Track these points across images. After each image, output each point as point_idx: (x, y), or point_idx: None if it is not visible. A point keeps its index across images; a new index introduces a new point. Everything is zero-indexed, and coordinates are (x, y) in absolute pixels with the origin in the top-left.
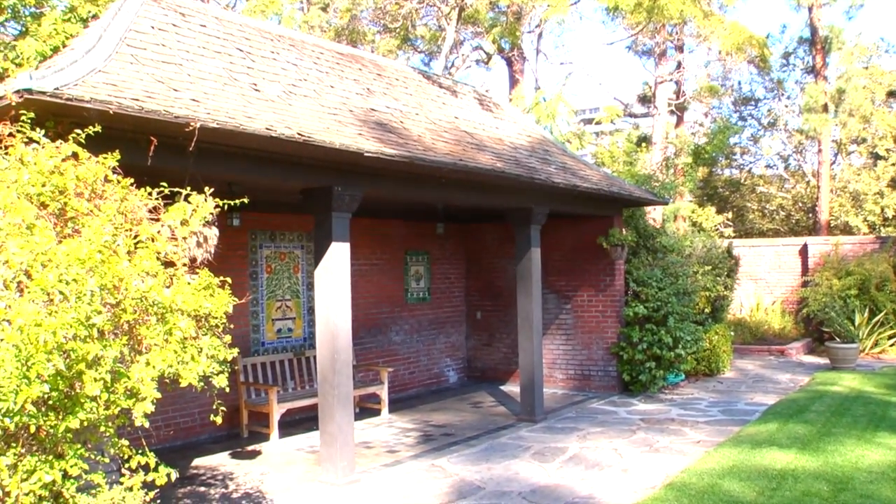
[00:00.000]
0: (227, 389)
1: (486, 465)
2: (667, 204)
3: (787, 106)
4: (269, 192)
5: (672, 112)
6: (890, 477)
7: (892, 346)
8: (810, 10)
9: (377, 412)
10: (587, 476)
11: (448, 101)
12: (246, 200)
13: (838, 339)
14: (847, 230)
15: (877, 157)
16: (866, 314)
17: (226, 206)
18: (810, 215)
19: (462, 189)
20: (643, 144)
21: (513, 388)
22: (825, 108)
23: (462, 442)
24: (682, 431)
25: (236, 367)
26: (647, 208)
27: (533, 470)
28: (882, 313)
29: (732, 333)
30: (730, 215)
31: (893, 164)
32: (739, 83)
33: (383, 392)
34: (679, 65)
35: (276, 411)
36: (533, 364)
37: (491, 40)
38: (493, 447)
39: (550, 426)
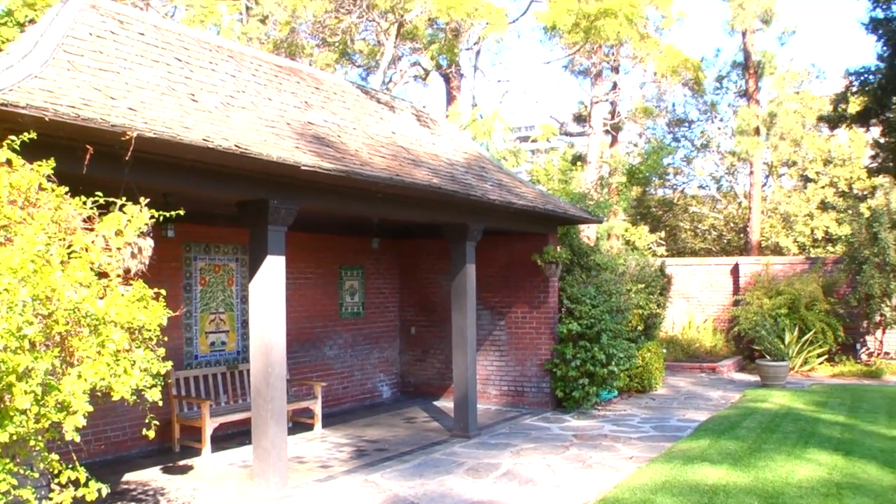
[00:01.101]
0: (160, 403)
1: (420, 480)
2: (601, 222)
3: (719, 128)
4: (206, 203)
5: (607, 132)
6: (819, 492)
7: (821, 364)
8: (744, 35)
9: (311, 427)
10: (521, 492)
11: (386, 117)
12: (182, 212)
13: (769, 357)
14: (777, 251)
15: (807, 179)
16: (796, 333)
17: (161, 218)
18: (742, 235)
19: (398, 204)
20: (578, 163)
21: (447, 403)
22: (757, 131)
23: (396, 457)
24: (614, 447)
25: (169, 381)
26: (582, 226)
27: (467, 486)
28: (811, 332)
29: (665, 351)
30: (662, 234)
31: (823, 187)
32: (674, 105)
33: (317, 407)
34: (615, 85)
35: (209, 425)
36: (467, 380)
37: (429, 56)
38: (426, 463)
39: (484, 442)
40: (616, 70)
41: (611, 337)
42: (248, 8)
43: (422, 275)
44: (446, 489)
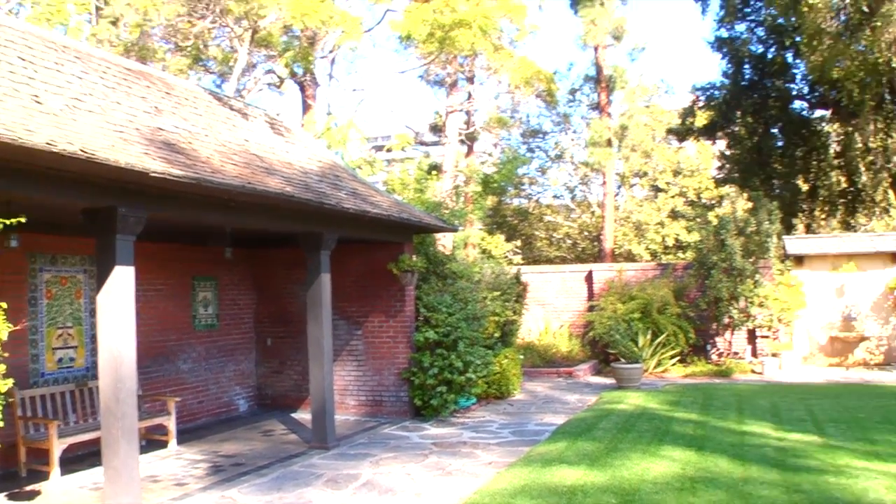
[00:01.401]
0: (2, 424)
1: (278, 494)
2: (456, 231)
3: (573, 139)
4: (51, 211)
5: (462, 142)
6: (674, 487)
7: (674, 365)
8: (596, 49)
9: (164, 444)
10: (381, 502)
11: (239, 124)
12: (23, 219)
13: (623, 360)
14: (630, 258)
15: (657, 189)
16: (649, 336)
17: (1, 226)
18: (595, 243)
19: (251, 213)
20: (434, 172)
21: (305, 415)
22: (609, 143)
23: (253, 472)
24: (474, 454)
25: (12, 400)
26: (438, 235)
27: (326, 497)
28: (664, 335)
29: (522, 357)
30: (518, 243)
31: (673, 197)
32: (528, 116)
33: (171, 423)
34: (470, 95)
35: (57, 447)
36: (324, 391)
37: (284, 64)
38: (284, 476)
39: (343, 453)
40: (471, 80)
41: (467, 344)
42: (98, 8)
43: (278, 285)
44: (305, 501)
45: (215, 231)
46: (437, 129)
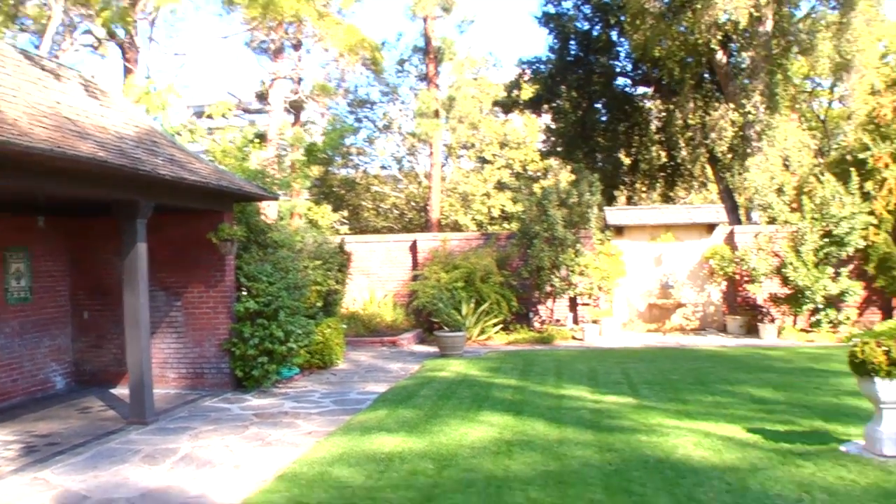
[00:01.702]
0: None
1: (93, 472)
2: (277, 199)
3: (401, 110)
4: None
5: (288, 110)
6: (490, 450)
7: (497, 332)
8: (425, 20)
9: None
10: (199, 475)
11: (50, 85)
12: None
13: (447, 329)
14: (457, 228)
15: (484, 161)
16: (472, 304)
17: None
18: (423, 214)
19: (62, 179)
20: (258, 141)
21: (124, 390)
22: (437, 114)
23: (68, 451)
24: (295, 424)
25: None
26: (264, 205)
27: (143, 473)
28: (487, 303)
29: (345, 326)
30: (346, 213)
31: (499, 169)
32: (356, 86)
33: None
34: (296, 63)
35: None
36: (141, 364)
37: (102, 24)
38: (101, 453)
39: (162, 427)
40: (297, 48)
41: (289, 314)
42: None
43: (94, 256)
44: (121, 479)
45: (26, 198)
46: (262, 97)
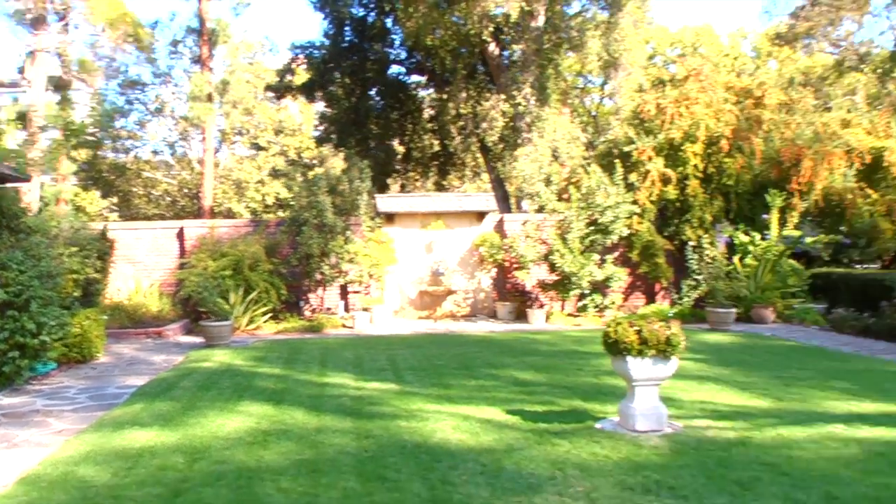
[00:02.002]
0: None
1: None
2: (28, 180)
3: (174, 93)
4: None
5: (53, 89)
6: (245, 441)
7: (266, 321)
8: (199, 1)
9: None
10: None
11: None
12: None
13: (214, 318)
14: (231, 216)
15: (258, 147)
16: (241, 293)
17: None
18: (195, 201)
19: None
20: (17, 120)
21: None
22: (210, 98)
23: None
24: (46, 423)
25: None
26: (25, 189)
27: None
28: (256, 292)
29: (107, 317)
30: (116, 200)
31: (274, 156)
32: (127, 66)
33: None
34: (61, 38)
35: None
36: None
37: None
38: None
39: None
40: (64, 24)
41: (41, 304)
42: None
43: None
44: None
45: None
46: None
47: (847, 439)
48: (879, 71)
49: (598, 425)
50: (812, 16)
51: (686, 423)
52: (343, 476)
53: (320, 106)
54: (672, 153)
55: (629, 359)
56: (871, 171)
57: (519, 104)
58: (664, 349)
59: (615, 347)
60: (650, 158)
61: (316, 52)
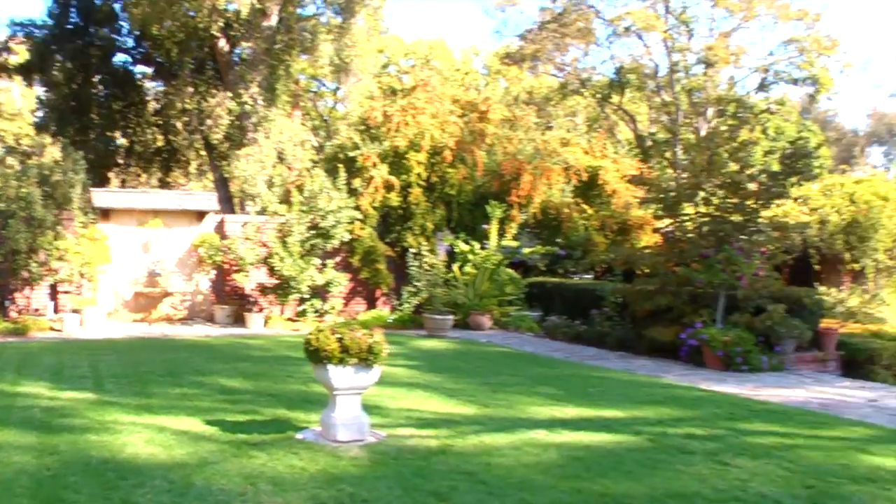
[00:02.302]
0: None
1: None
2: None
3: None
4: None
5: None
6: None
7: None
8: None
9: None
10: None
11: None
12: None
13: None
14: None
15: None
16: None
17: None
18: None
19: None
20: None
21: None
22: None
23: None
24: None
25: None
26: None
27: None
28: None
29: None
30: None
31: None
32: None
33: None
34: None
35: None
36: None
37: None
38: None
39: None
40: None
41: None
42: None
43: None
44: None
45: None
46: None
47: (547, 444)
48: (599, 96)
49: (298, 436)
50: (539, 39)
51: (389, 432)
52: (16, 500)
53: (42, 90)
54: (397, 161)
55: (330, 367)
56: (588, 188)
57: (246, 103)
58: (366, 357)
59: (316, 356)
60: (375, 165)
61: (37, 31)
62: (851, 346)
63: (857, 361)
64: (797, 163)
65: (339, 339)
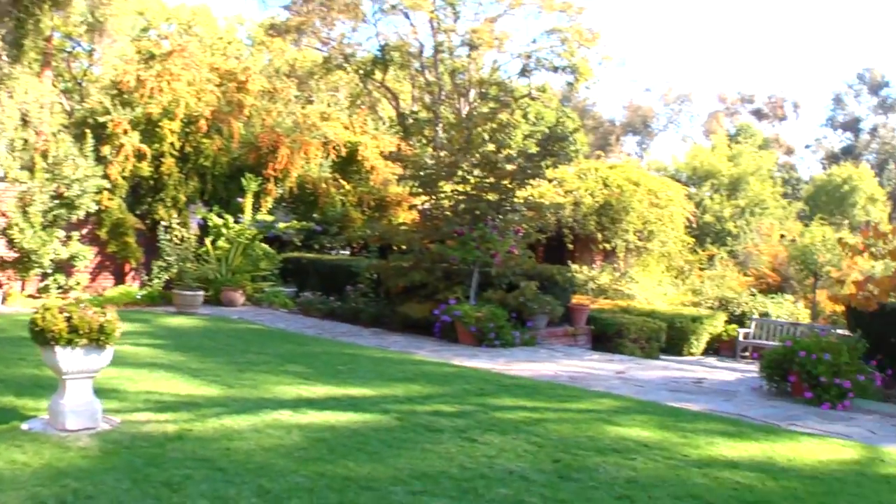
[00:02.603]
0: None
1: None
2: None
3: None
4: None
5: None
6: None
7: None
8: None
9: None
10: None
11: None
12: None
13: None
14: None
15: None
16: None
17: None
18: None
19: None
20: None
21: None
22: None
23: None
24: None
25: None
26: None
27: None
28: None
29: None
30: None
31: None
32: None
33: None
34: None
35: None
36: None
37: None
38: None
39: None
40: None
41: None
42: None
43: None
44: None
45: None
46: None
47: (291, 426)
48: (362, 72)
49: (24, 426)
50: (305, 11)
51: (125, 418)
52: None
53: None
54: (149, 129)
55: (58, 349)
56: (346, 164)
57: None
58: (97, 338)
59: (42, 336)
60: (126, 132)
61: None
62: (601, 321)
63: (606, 335)
64: (553, 146)
65: (68, 319)
